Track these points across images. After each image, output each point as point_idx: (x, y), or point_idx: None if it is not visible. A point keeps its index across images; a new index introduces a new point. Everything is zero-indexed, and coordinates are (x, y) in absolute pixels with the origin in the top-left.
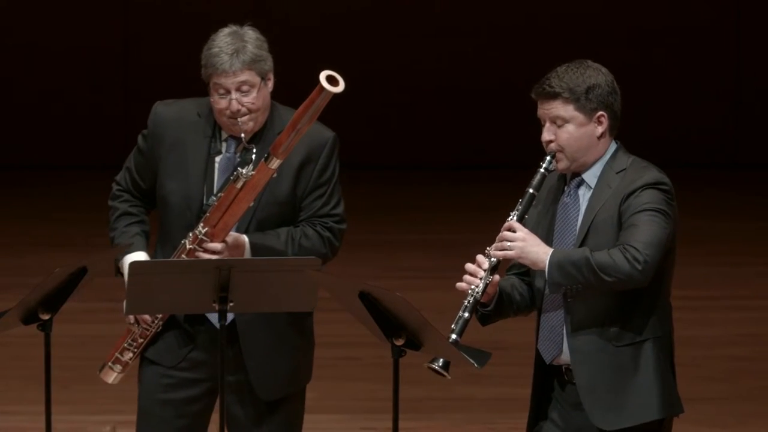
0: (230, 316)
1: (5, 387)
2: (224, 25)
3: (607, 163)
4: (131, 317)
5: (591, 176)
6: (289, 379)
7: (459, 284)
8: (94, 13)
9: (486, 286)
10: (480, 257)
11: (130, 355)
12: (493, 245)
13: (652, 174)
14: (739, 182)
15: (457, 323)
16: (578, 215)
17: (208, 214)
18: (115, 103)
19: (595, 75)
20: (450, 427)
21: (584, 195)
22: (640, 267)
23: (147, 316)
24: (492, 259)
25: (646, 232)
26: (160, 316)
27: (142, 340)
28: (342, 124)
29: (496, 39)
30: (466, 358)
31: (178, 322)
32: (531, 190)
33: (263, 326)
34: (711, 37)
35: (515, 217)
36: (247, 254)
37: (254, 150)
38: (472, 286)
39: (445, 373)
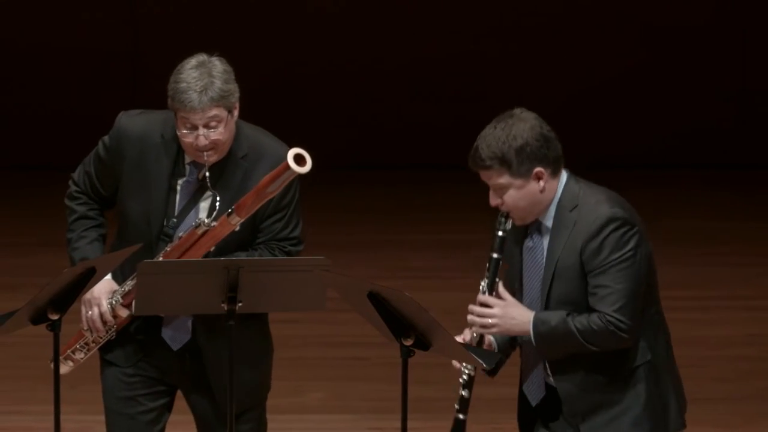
0: (185, 338)
1: (14, 387)
2: (235, 24)
3: (560, 202)
4: (85, 323)
5: (548, 219)
6: (251, 392)
7: (454, 362)
8: (103, 14)
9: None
10: (466, 333)
11: (82, 355)
12: (473, 318)
13: (603, 212)
14: (744, 182)
15: (459, 402)
16: (542, 259)
17: (168, 249)
18: (124, 104)
19: (521, 132)
20: None
21: (545, 239)
22: (624, 334)
23: (101, 326)
24: (475, 335)
25: (618, 294)
26: (114, 327)
27: (94, 344)
28: (348, 124)
29: (505, 38)
30: (474, 359)
31: (131, 334)
32: (495, 255)
33: (224, 341)
34: (717, 36)
35: (486, 287)
36: None
37: (218, 199)
38: (464, 363)
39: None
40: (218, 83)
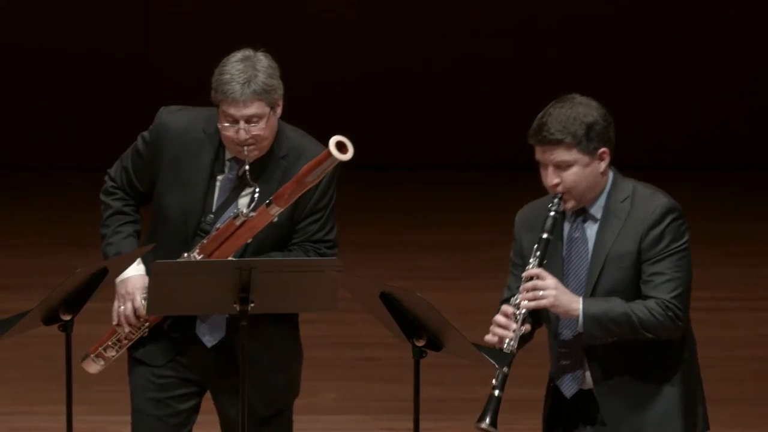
0: (219, 336)
1: (26, 387)
2: (246, 28)
3: (609, 193)
4: (116, 318)
5: (596, 209)
6: (283, 395)
7: (488, 337)
8: (114, 17)
9: (519, 337)
10: (508, 308)
11: (114, 353)
12: (521, 295)
13: (663, 201)
14: (758, 183)
15: (497, 379)
16: (588, 250)
17: (205, 242)
18: (135, 106)
19: (589, 112)
20: (470, 427)
21: (591, 228)
22: (679, 322)
23: (134, 321)
24: (522, 311)
25: (679, 282)
26: (147, 324)
27: (126, 341)
28: (360, 123)
29: (518, 38)
30: (487, 359)
31: (165, 332)
32: (545, 235)
33: (256, 343)
34: (728, 36)
35: (535, 265)
36: None
37: (257, 190)
38: (506, 340)
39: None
40: (262, 77)
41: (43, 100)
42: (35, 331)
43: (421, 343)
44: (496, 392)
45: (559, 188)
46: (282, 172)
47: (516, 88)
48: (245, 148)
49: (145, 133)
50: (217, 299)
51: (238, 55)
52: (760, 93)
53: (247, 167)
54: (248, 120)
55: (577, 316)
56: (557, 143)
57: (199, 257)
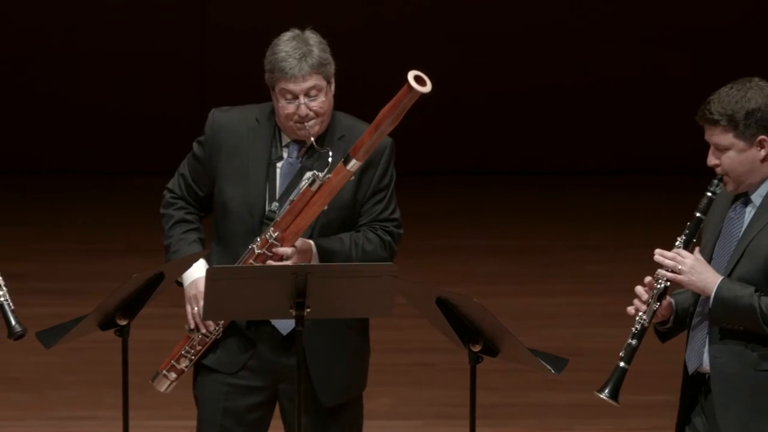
0: (290, 324)
1: (83, 392)
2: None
3: None
4: (191, 323)
5: (757, 196)
6: (349, 384)
7: (629, 308)
8: (172, 19)
9: (653, 312)
10: (649, 279)
11: (187, 362)
12: (664, 262)
13: None
14: None
15: (625, 350)
16: (740, 233)
17: (278, 218)
18: (191, 109)
19: (756, 97)
20: None
21: (748, 213)
22: None
23: (210, 323)
24: (660, 284)
25: None
26: (222, 322)
27: (200, 347)
28: (413, 129)
29: (571, 40)
30: (543, 365)
31: (240, 328)
32: (698, 214)
33: (324, 332)
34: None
35: (682, 243)
36: (315, 259)
37: (330, 152)
38: (640, 313)
39: (614, 402)
40: (316, 51)
41: (101, 103)
42: (91, 336)
43: (477, 349)
44: (621, 363)
45: (719, 170)
46: (341, 153)
47: (575, 93)
48: (307, 124)
49: (200, 137)
50: (273, 304)
51: (288, 34)
52: None
53: (313, 139)
54: (307, 94)
55: (710, 295)
56: (714, 124)
57: (274, 235)
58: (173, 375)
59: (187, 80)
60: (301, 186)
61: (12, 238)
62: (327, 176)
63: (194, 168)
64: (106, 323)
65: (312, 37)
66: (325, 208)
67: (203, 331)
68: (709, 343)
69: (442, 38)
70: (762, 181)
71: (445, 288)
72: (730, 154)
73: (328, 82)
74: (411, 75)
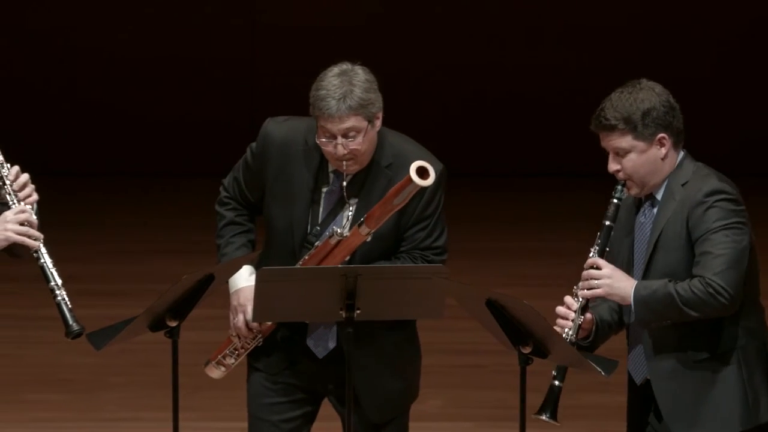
0: (330, 346)
1: (133, 393)
2: (345, 34)
3: (672, 175)
4: (232, 331)
5: (660, 192)
6: (397, 401)
7: (554, 328)
8: (222, 24)
9: (578, 327)
10: (568, 299)
11: (232, 360)
12: (580, 284)
13: (712, 183)
14: None
15: (557, 369)
16: (648, 234)
17: (306, 257)
18: (242, 112)
19: (649, 97)
20: None
21: (655, 211)
22: (724, 300)
23: (246, 333)
24: (580, 300)
25: (722, 258)
26: (260, 335)
27: (242, 350)
28: (463, 130)
29: (601, 43)
30: (593, 366)
31: (277, 345)
32: (608, 222)
33: (370, 350)
34: None
35: (596, 253)
36: None
37: (351, 210)
38: (566, 330)
39: (555, 423)
40: (358, 92)
41: (151, 106)
42: (142, 338)
43: (527, 350)
44: (556, 383)
45: (620, 175)
46: (387, 181)
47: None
48: (344, 162)
49: (253, 144)
50: (323, 306)
51: (335, 69)
52: None
53: (344, 183)
54: (345, 134)
55: (630, 301)
56: (611, 129)
57: None
58: (222, 368)
59: (237, 83)
60: (324, 236)
61: (65, 240)
62: (346, 234)
63: (246, 174)
64: (157, 325)
65: (358, 75)
66: (347, 259)
67: (242, 341)
68: (646, 360)
69: (480, 37)
70: (664, 181)
71: (495, 290)
72: (631, 156)
73: (370, 122)
74: (413, 167)
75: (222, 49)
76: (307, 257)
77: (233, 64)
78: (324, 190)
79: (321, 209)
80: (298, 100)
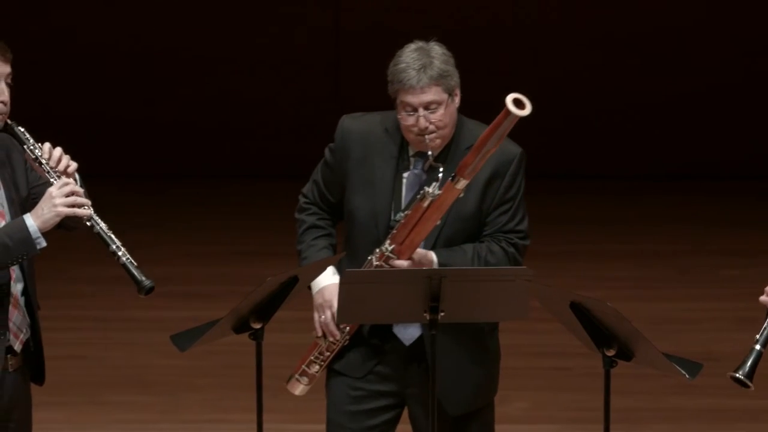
0: (416, 333)
1: (218, 395)
2: (429, 37)
3: None
4: (318, 330)
5: None
6: (477, 393)
7: (761, 297)
8: (306, 27)
9: None
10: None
11: (317, 367)
12: None
13: None
14: None
15: (761, 333)
16: None
17: (395, 231)
18: (327, 115)
19: None
20: None
21: None
22: None
23: (335, 330)
24: None
25: None
26: (347, 330)
27: (328, 353)
28: (547, 133)
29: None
30: (677, 369)
31: (364, 338)
32: None
33: (450, 342)
34: None
35: None
36: None
37: (441, 169)
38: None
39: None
40: (438, 63)
41: (238, 111)
42: (226, 340)
43: (611, 353)
44: (757, 347)
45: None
46: None
47: (706, 95)
48: (426, 137)
49: (331, 144)
50: (407, 308)
51: (412, 46)
52: None
53: (430, 153)
54: (427, 107)
55: None
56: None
57: (390, 248)
58: (305, 379)
59: (322, 85)
60: (414, 201)
61: (150, 242)
62: (437, 192)
63: (326, 175)
64: (241, 326)
65: (435, 49)
66: (439, 222)
67: (330, 339)
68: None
69: (580, 44)
70: None
71: (579, 292)
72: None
73: (450, 95)
74: (510, 98)
75: (308, 49)
76: (396, 230)
77: (319, 65)
78: (405, 175)
79: (403, 195)
80: (382, 101)
